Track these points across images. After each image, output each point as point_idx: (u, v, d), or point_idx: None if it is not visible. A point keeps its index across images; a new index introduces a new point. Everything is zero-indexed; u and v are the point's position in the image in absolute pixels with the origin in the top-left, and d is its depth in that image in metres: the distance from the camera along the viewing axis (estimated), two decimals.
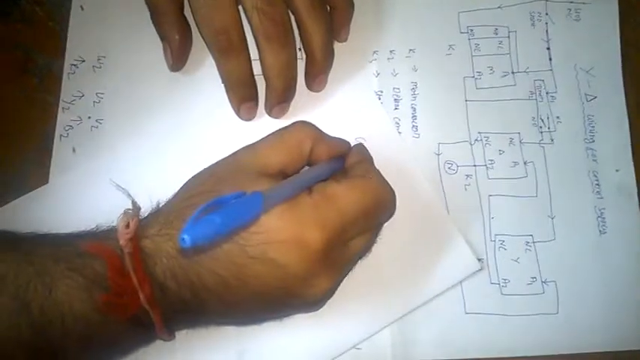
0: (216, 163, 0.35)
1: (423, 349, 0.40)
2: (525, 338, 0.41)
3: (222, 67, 0.41)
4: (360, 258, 0.37)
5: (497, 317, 0.41)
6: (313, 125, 0.37)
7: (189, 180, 0.35)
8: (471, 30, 0.46)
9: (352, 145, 0.40)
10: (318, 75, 0.42)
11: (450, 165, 0.44)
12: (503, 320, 0.41)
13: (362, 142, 0.42)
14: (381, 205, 0.35)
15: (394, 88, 0.45)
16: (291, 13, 0.40)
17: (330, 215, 0.32)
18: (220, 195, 0.28)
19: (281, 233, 0.30)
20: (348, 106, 0.44)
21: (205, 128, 0.43)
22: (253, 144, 0.36)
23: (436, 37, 0.46)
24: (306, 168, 0.37)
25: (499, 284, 0.42)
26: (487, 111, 0.45)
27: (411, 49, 0.46)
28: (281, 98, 0.41)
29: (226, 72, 0.40)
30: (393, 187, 0.36)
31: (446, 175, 0.43)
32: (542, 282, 0.42)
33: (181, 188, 0.35)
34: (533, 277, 0.42)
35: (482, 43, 0.46)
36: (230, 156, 0.35)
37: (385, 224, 0.38)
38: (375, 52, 0.46)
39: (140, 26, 0.44)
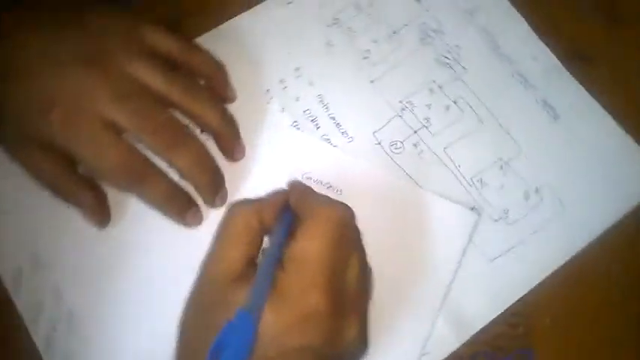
0: (192, 291, 0.34)
1: (477, 316, 0.40)
2: (552, 249, 0.41)
3: (143, 197, 0.39)
4: (364, 278, 0.35)
5: (518, 247, 0.41)
6: (245, 200, 0.36)
7: (182, 320, 0.34)
8: (337, 19, 0.46)
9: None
10: (232, 147, 0.41)
11: (394, 145, 0.43)
12: (525, 246, 0.41)
13: (309, 176, 0.41)
14: (343, 225, 0.33)
15: (305, 111, 0.44)
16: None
17: (313, 273, 0.31)
18: (216, 327, 0.27)
19: (285, 323, 0.29)
20: (277, 154, 0.43)
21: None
22: (210, 252, 0.34)
23: (312, 41, 0.46)
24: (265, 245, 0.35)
25: (503, 218, 0.42)
26: (394, 79, 0.45)
27: (296, 68, 0.45)
28: (214, 190, 0.40)
29: (149, 198, 0.39)
30: (361, 196, 0.35)
31: (397, 157, 0.43)
32: (535, 192, 0.42)
33: (180, 333, 0.33)
34: (526, 192, 0.42)
35: (353, 24, 0.46)
36: (199, 277, 0.34)
37: (372, 233, 0.37)
38: (267, 90, 0.45)
39: None
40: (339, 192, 0.42)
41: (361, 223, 0.34)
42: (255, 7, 0.47)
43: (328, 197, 0.35)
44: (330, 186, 0.42)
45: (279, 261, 0.32)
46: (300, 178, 0.42)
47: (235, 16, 0.46)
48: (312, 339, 0.29)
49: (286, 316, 0.29)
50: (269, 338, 0.29)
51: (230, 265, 0.32)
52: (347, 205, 0.34)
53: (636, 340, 0.40)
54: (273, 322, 0.29)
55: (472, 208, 0.42)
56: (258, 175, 0.41)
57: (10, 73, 0.37)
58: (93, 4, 0.39)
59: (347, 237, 0.33)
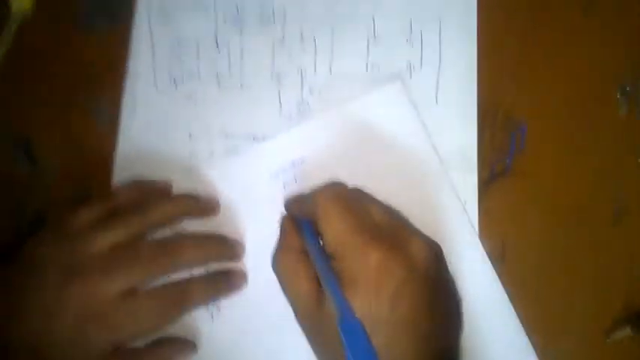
0: (307, 338, 0.36)
1: None
2: None
3: (188, 310, 0.41)
4: (388, 208, 0.36)
5: None
6: (276, 247, 0.38)
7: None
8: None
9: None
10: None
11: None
12: None
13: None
14: (339, 196, 0.35)
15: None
16: None
17: (353, 241, 0.33)
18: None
19: (371, 298, 0.31)
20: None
21: None
22: (289, 301, 0.36)
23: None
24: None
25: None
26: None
27: (227, 135, 0.45)
28: (231, 255, 0.42)
29: (199, 304, 0.41)
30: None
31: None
32: None
33: None
34: None
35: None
36: (299, 323, 0.36)
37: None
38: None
39: None
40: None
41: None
42: None
43: (315, 188, 0.37)
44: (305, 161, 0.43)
45: (328, 260, 0.33)
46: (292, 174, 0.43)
47: None
48: (398, 279, 0.31)
49: (368, 292, 0.31)
50: (372, 321, 0.30)
51: (307, 298, 0.34)
52: (332, 182, 0.37)
53: None
54: (364, 307, 0.31)
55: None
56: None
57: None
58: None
59: (348, 198, 0.35)
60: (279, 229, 0.39)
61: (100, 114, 0.45)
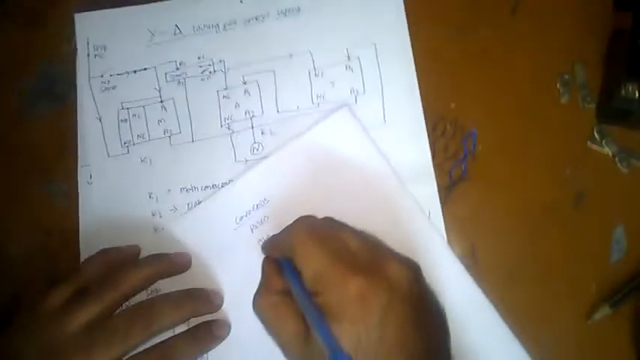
0: None
1: None
2: None
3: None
4: (359, 235, 0.36)
5: None
6: (256, 292, 0.37)
7: None
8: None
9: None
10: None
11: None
12: None
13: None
14: (308, 231, 0.35)
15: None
16: None
17: (329, 273, 0.32)
18: None
19: (359, 328, 0.31)
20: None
21: None
22: (275, 340, 0.35)
23: None
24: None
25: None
26: None
27: (187, 189, 0.45)
28: (207, 307, 0.42)
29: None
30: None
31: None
32: None
33: None
34: None
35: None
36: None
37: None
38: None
39: None
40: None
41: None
42: None
43: (287, 226, 0.37)
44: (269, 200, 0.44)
45: (311, 296, 0.33)
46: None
47: None
48: (381, 303, 0.31)
49: (354, 322, 0.31)
50: (363, 350, 0.30)
51: (294, 337, 0.34)
52: (302, 217, 0.37)
53: None
54: (352, 338, 0.30)
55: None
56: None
57: None
58: None
59: (320, 231, 0.35)
60: (261, 272, 0.39)
61: (57, 192, 0.45)
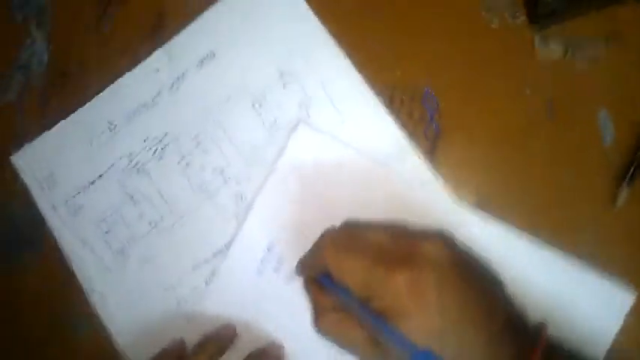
0: None
1: None
2: None
3: None
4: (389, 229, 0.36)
5: None
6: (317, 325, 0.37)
7: None
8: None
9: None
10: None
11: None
12: None
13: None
14: (332, 240, 0.36)
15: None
16: None
17: (372, 275, 0.33)
18: None
19: (422, 318, 0.32)
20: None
21: None
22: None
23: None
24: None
25: None
26: None
27: (197, 265, 0.45)
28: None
29: None
30: None
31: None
32: None
33: None
34: None
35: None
36: None
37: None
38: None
39: None
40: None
41: None
42: None
43: (311, 248, 0.38)
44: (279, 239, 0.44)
45: (365, 304, 0.33)
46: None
47: None
48: (433, 285, 0.32)
49: (416, 313, 0.31)
50: (435, 336, 0.31)
51: (365, 346, 0.34)
52: (321, 235, 0.37)
53: None
54: (421, 330, 0.31)
55: None
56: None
57: None
58: None
59: (344, 238, 0.36)
60: (305, 296, 0.39)
61: (81, 328, 0.45)
